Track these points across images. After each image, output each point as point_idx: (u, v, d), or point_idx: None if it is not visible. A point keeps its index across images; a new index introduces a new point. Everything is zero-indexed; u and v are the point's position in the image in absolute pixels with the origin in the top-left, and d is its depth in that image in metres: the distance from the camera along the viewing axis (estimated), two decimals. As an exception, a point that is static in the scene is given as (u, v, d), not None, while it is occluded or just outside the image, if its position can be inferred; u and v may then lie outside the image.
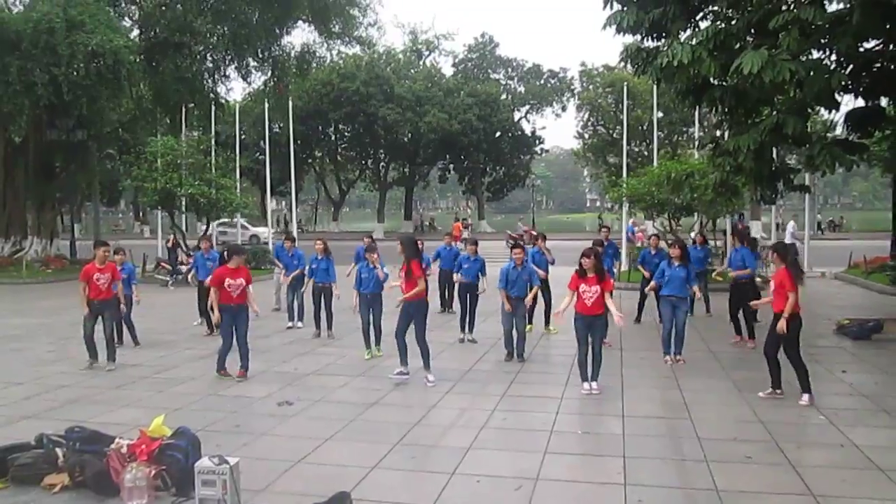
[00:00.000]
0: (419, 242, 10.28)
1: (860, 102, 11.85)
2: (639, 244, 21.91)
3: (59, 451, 5.77)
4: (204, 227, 26.40)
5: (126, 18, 29.57)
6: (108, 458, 5.50)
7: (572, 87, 58.02)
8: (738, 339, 11.61)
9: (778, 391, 8.18)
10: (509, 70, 61.73)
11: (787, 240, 22.92)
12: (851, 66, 10.82)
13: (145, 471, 5.31)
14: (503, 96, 57.72)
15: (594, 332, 8.61)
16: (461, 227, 40.18)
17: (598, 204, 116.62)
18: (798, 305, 8.06)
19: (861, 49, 10.63)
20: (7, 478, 5.62)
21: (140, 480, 5.25)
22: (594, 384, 8.55)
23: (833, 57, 10.80)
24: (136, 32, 28.88)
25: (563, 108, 59.90)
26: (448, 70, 60.50)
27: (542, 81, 59.88)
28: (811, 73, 9.85)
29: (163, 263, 22.35)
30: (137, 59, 24.67)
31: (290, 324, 13.40)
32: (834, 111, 11.56)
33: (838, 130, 14.12)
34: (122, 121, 32.52)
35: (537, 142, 60.65)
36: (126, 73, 23.33)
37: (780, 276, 8.18)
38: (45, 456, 5.74)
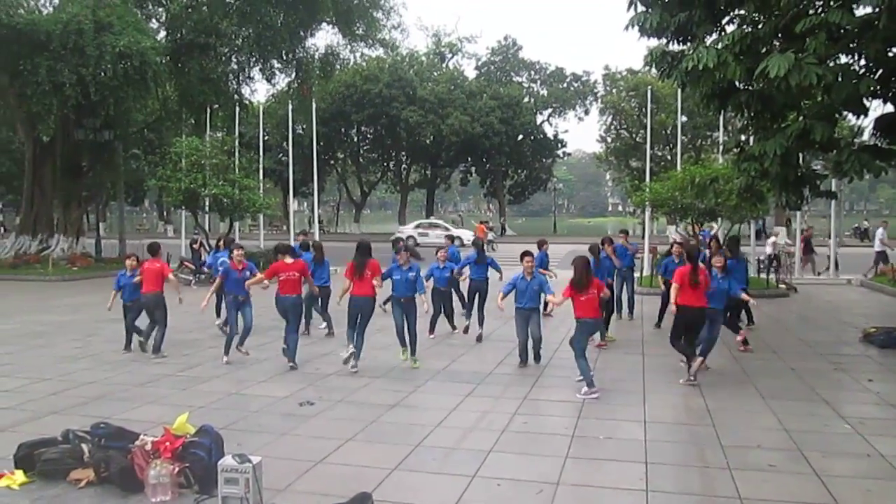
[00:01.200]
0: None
1: (889, 108, 11.70)
2: (791, 249, 21.70)
3: (84, 446, 5.84)
4: (229, 227, 26.60)
5: (153, 20, 29.93)
6: (132, 455, 5.56)
7: (595, 90, 57.81)
8: (741, 344, 11.49)
9: (692, 379, 9.00)
10: (532, 73, 61.59)
11: (877, 247, 22.36)
12: (880, 71, 10.68)
13: (169, 468, 5.37)
14: (526, 99, 57.58)
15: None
16: (484, 228, 40.55)
17: (619, 208, 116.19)
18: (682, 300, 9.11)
19: (890, 54, 10.48)
20: (34, 472, 5.71)
21: (164, 477, 5.31)
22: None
23: (861, 62, 10.68)
24: (162, 34, 29.20)
25: (586, 112, 59.67)
26: (471, 73, 60.59)
27: (565, 85, 59.68)
28: (839, 78, 9.75)
29: (186, 263, 22.55)
30: (163, 61, 24.98)
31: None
32: (862, 117, 11.44)
33: (865, 136, 13.94)
34: (148, 121, 32.90)
35: (559, 145, 60.49)
36: (152, 74, 23.63)
37: (681, 271, 9.37)
38: (71, 451, 5.82)
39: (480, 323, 12.42)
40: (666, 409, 8.02)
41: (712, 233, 21.18)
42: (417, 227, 43.07)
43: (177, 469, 5.42)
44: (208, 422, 6.32)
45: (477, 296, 12.52)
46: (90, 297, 18.11)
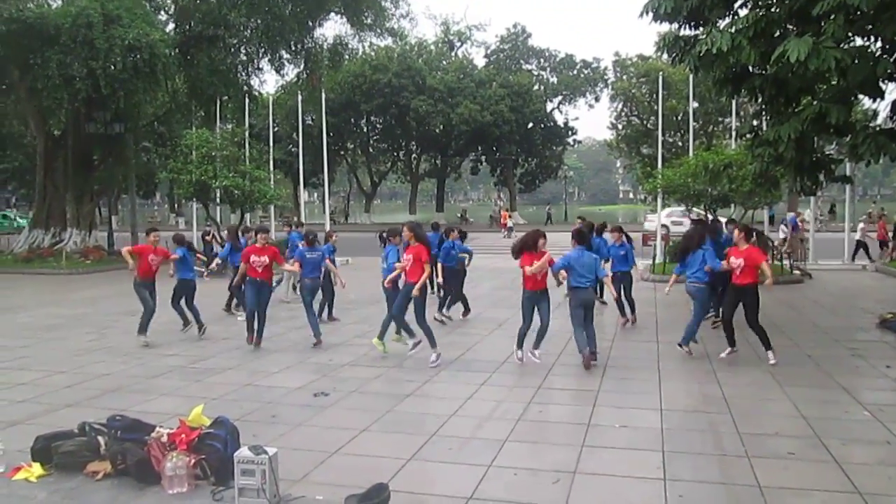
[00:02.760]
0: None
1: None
2: (805, 235, 21.60)
3: (101, 439, 5.84)
4: (241, 219, 26.63)
5: (161, 12, 29.89)
6: (148, 447, 5.56)
7: (606, 77, 57.52)
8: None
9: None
10: (542, 61, 61.35)
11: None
12: (897, 53, 10.53)
13: (185, 460, 5.36)
14: (535, 87, 57.34)
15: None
16: (507, 215, 41.96)
17: (630, 195, 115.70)
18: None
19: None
20: (52, 465, 5.72)
21: (180, 469, 5.30)
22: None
23: (878, 44, 10.52)
24: (171, 26, 29.17)
25: (597, 99, 59.51)
26: (480, 61, 60.42)
27: (575, 72, 59.43)
28: (855, 61, 9.60)
29: (198, 255, 22.58)
30: (173, 53, 24.98)
31: None
32: (878, 100, 11.28)
33: (878, 120, 13.77)
34: (158, 114, 32.92)
35: (570, 133, 60.31)
36: (162, 67, 23.62)
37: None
38: (87, 444, 5.82)
39: (448, 307, 13.32)
40: (682, 397, 7.97)
41: (798, 219, 21.30)
42: (669, 216, 42.11)
43: (193, 461, 5.41)
44: (223, 413, 6.32)
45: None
46: (103, 289, 18.19)
